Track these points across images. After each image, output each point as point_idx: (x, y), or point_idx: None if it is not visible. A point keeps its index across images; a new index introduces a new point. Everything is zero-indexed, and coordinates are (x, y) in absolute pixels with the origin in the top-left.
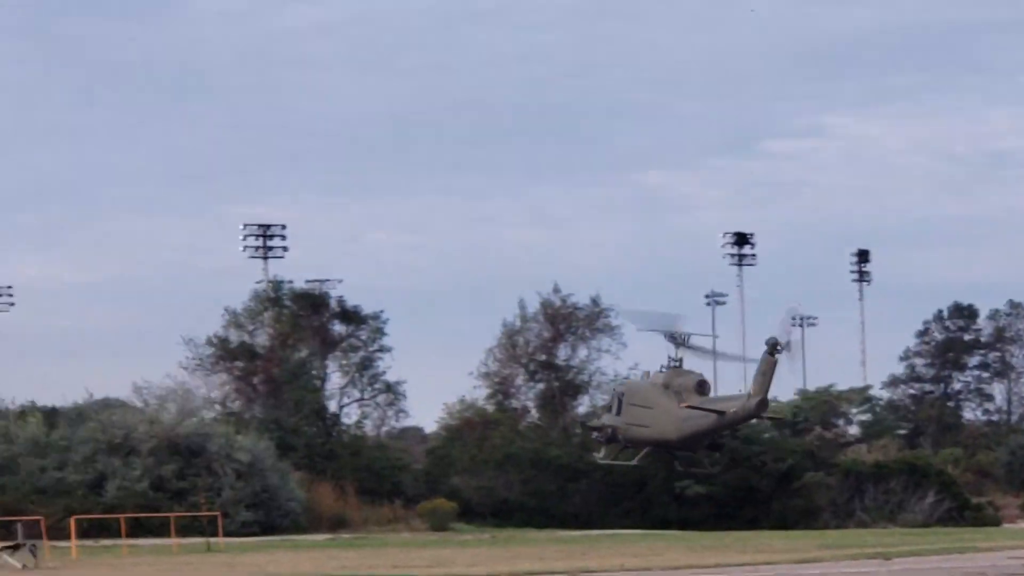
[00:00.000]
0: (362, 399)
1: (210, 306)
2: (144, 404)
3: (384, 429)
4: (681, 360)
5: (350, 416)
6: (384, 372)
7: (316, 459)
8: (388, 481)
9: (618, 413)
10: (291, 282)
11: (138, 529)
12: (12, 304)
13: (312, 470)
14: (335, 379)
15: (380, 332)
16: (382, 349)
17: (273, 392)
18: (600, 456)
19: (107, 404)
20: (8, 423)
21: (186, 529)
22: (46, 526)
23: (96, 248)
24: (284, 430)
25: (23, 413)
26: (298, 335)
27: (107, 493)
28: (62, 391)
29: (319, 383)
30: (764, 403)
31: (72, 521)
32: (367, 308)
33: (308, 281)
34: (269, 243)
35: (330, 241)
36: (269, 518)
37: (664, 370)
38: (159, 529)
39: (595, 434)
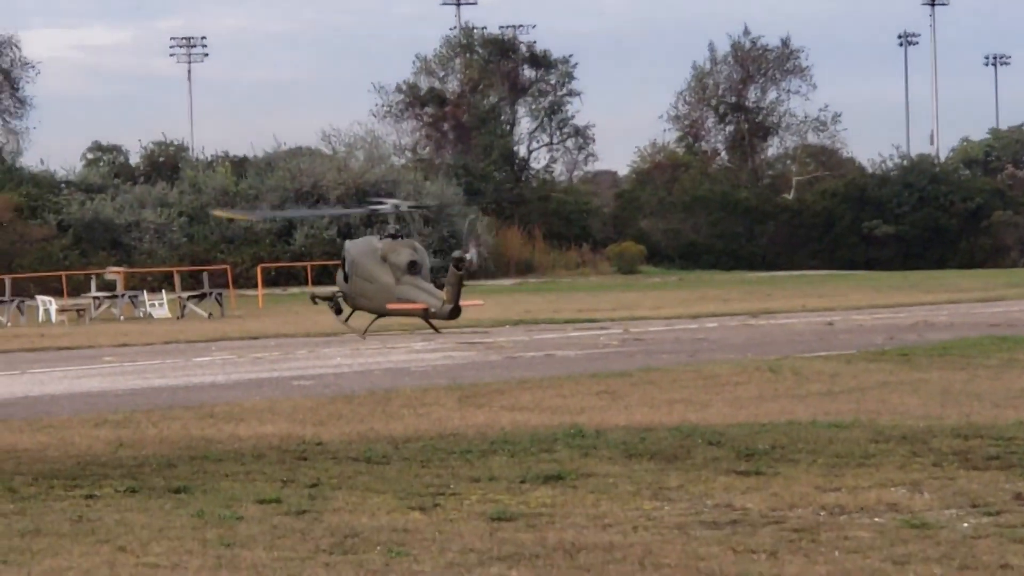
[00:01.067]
0: (551, 144)
1: (402, 53)
2: (333, 151)
3: (576, 174)
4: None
5: (539, 161)
6: (573, 116)
7: (504, 204)
8: (576, 225)
9: (345, 280)
10: (483, 28)
11: (325, 276)
12: (206, 55)
13: (500, 215)
14: (524, 124)
15: (570, 76)
16: (571, 93)
17: (462, 138)
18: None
19: (296, 152)
20: (197, 173)
21: None
22: (233, 275)
23: None
24: (473, 175)
25: (212, 163)
26: (488, 81)
27: (294, 241)
28: (252, 141)
29: (508, 128)
30: (457, 309)
31: (259, 269)
32: (557, 53)
33: (500, 27)
34: None
35: None
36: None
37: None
38: None
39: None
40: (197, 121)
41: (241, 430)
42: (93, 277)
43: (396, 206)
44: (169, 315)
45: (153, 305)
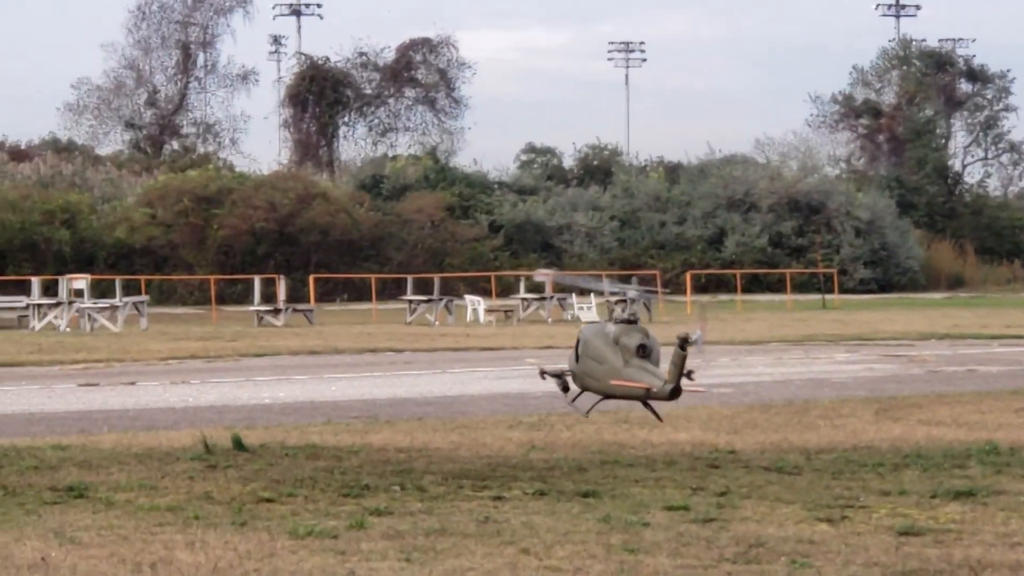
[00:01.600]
0: (985, 159)
1: (838, 64)
2: (766, 160)
3: (1011, 189)
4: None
5: (972, 175)
6: (1009, 132)
7: (936, 217)
8: (1008, 240)
9: (576, 360)
10: (921, 40)
11: (754, 285)
12: (644, 60)
13: (932, 228)
14: (959, 138)
15: (1006, 91)
16: (1008, 108)
17: (896, 150)
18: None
19: (729, 160)
20: (631, 178)
21: (802, 286)
22: (662, 280)
23: (734, 4)
24: (905, 188)
25: (646, 168)
26: (923, 94)
27: (725, 249)
28: (685, 147)
29: (942, 142)
30: (677, 390)
31: (688, 276)
32: (994, 67)
33: (939, 40)
34: (902, 0)
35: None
36: (887, 276)
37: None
38: (775, 286)
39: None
40: (633, 126)
41: (654, 436)
42: (522, 278)
43: (638, 293)
44: (597, 318)
45: (581, 308)
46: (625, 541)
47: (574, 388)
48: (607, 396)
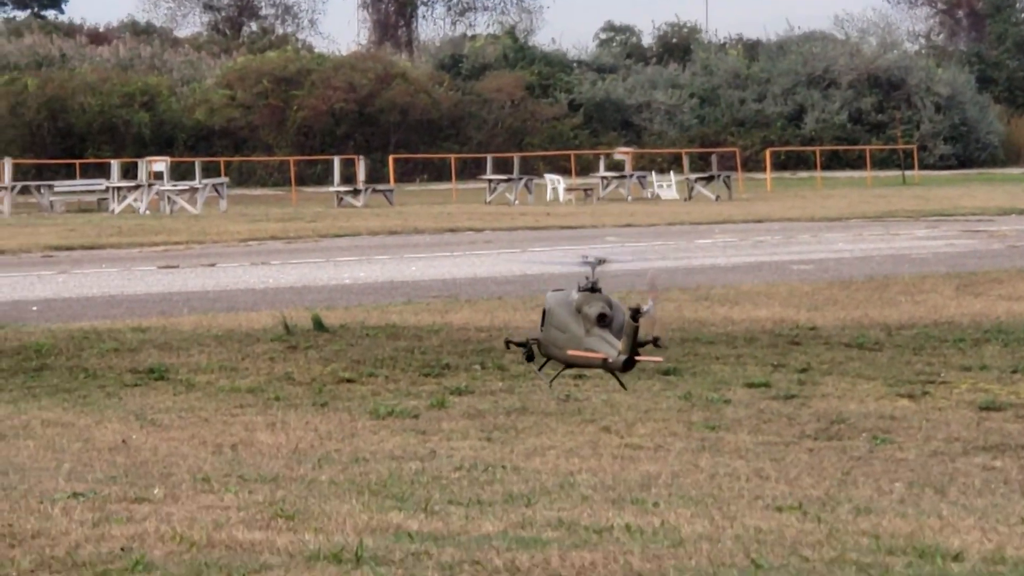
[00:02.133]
0: None
1: None
2: (845, 36)
3: None
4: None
5: None
6: None
7: (1017, 92)
8: None
9: (540, 328)
10: None
11: (834, 161)
12: None
13: (1012, 103)
14: None
15: None
16: None
17: (975, 25)
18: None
19: (808, 37)
20: (710, 55)
21: (882, 162)
22: (741, 158)
23: None
24: (985, 63)
25: (724, 45)
26: None
27: (805, 126)
28: (763, 24)
29: (1023, 16)
30: (630, 361)
31: (768, 153)
32: None
33: None
34: None
35: None
36: (967, 152)
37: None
38: (855, 162)
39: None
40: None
41: (735, 313)
42: (602, 157)
43: (600, 260)
44: (676, 196)
45: (661, 186)
46: (706, 418)
47: (539, 357)
48: (568, 365)
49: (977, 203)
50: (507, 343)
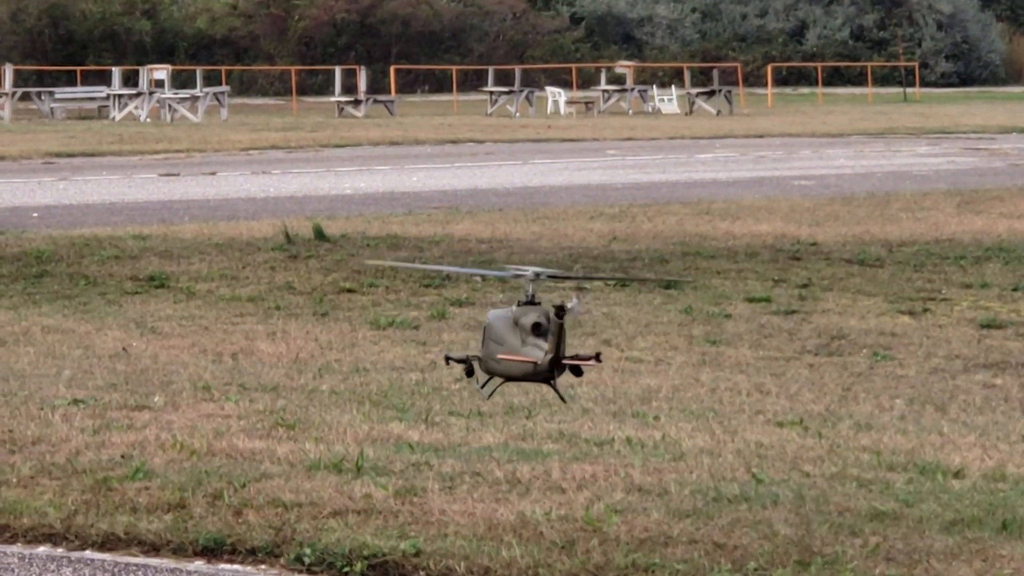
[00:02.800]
0: None
1: None
2: None
3: None
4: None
5: None
6: None
7: (1019, 11)
8: None
9: (481, 345)
10: None
11: (835, 78)
12: None
13: (1014, 22)
14: None
15: None
16: None
17: None
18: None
19: None
20: None
21: (883, 79)
22: (742, 73)
23: None
24: None
25: None
26: None
27: (806, 41)
28: None
29: None
30: (557, 359)
31: (769, 69)
32: None
33: None
34: None
35: None
36: (968, 70)
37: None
38: (856, 79)
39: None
40: None
41: (736, 228)
42: (603, 70)
43: (536, 274)
44: (677, 111)
45: (662, 100)
46: (707, 333)
47: (480, 372)
48: (507, 378)
49: (978, 121)
50: (447, 359)
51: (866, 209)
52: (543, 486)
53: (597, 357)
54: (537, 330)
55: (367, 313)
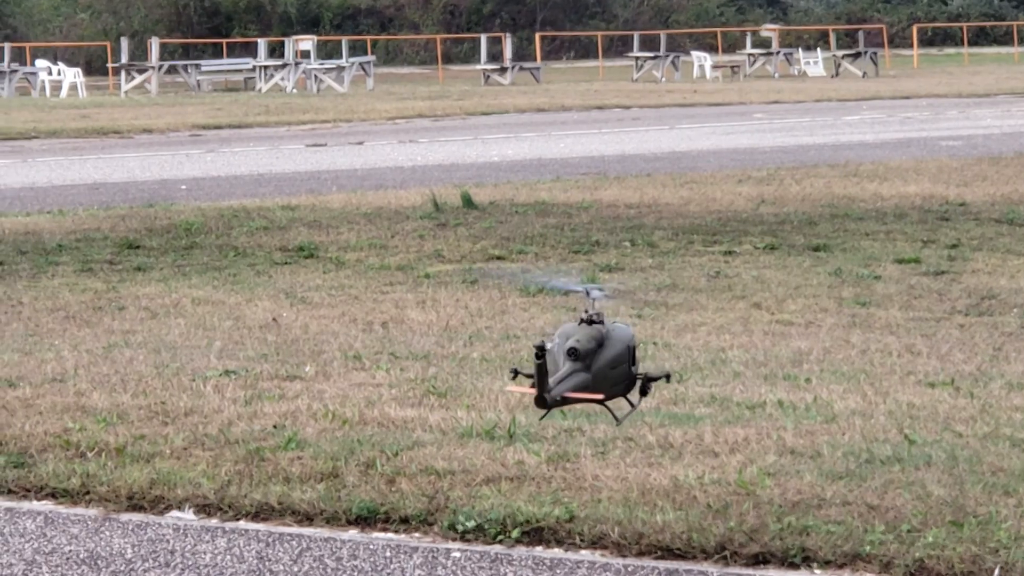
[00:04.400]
0: None
1: None
2: None
3: None
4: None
5: None
6: None
7: None
8: None
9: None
10: None
11: (981, 38)
12: None
13: None
14: None
15: None
16: None
17: None
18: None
19: None
20: None
21: None
22: (888, 35)
23: None
24: None
25: None
26: None
27: (952, 2)
28: None
29: None
30: (540, 399)
31: (914, 29)
32: None
33: None
34: None
35: None
36: None
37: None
38: (1002, 38)
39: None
40: None
41: (884, 189)
42: (748, 34)
43: (588, 291)
44: (823, 73)
45: (808, 63)
46: (856, 294)
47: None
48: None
49: None
50: (514, 372)
51: (1015, 168)
52: (695, 450)
53: (667, 378)
54: (572, 355)
55: (516, 280)
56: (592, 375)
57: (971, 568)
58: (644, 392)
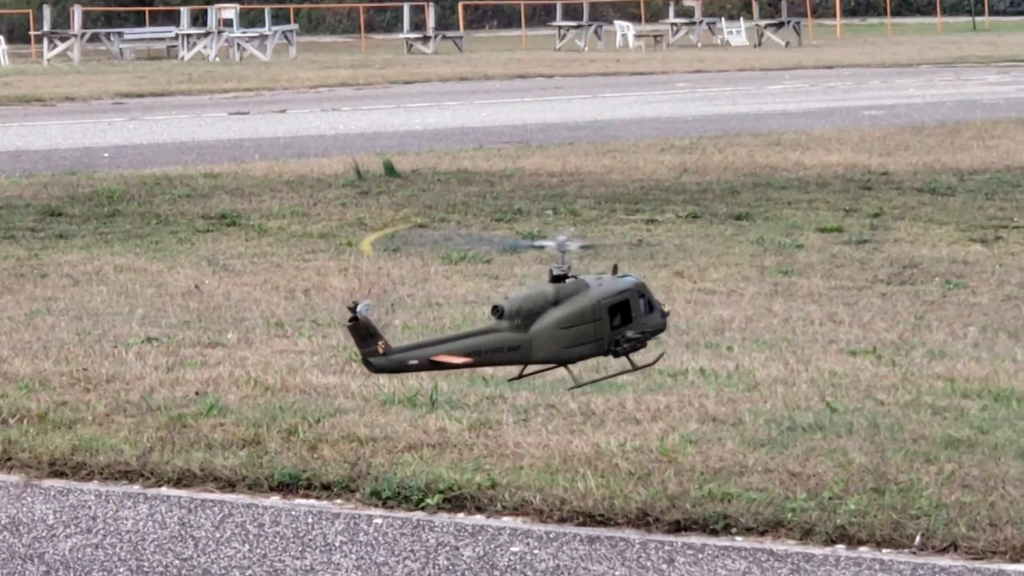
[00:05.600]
0: None
1: None
2: None
3: None
4: None
5: None
6: None
7: None
8: None
9: None
10: None
11: (904, 7)
12: None
13: None
14: None
15: None
16: None
17: None
18: None
19: None
20: None
21: (952, 8)
22: (811, 4)
23: None
24: None
25: None
26: None
27: None
28: None
29: None
30: (365, 362)
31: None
32: None
33: None
34: None
35: None
36: None
37: None
38: (925, 8)
39: None
40: None
41: (807, 158)
42: (672, 3)
43: (561, 244)
44: (747, 43)
45: (731, 32)
46: (778, 263)
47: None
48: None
49: None
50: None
51: (936, 138)
52: (617, 417)
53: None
54: (497, 313)
55: (439, 248)
56: (531, 335)
57: (892, 535)
58: (633, 349)
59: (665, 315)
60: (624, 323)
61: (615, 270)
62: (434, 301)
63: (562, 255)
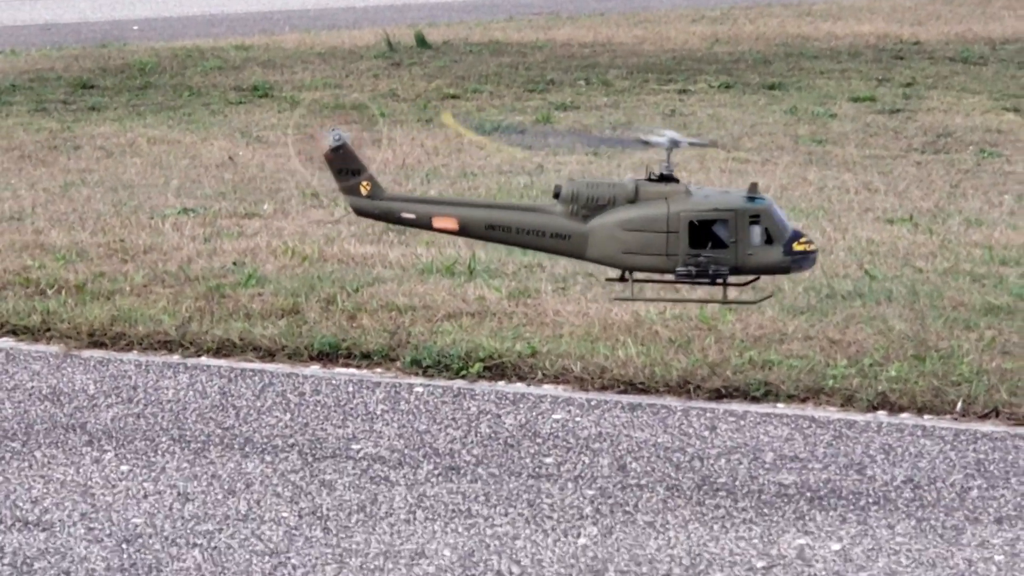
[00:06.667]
0: None
1: None
2: None
3: None
4: None
5: None
6: None
7: None
8: None
9: None
10: None
11: None
12: None
13: None
14: None
15: None
16: None
17: None
18: None
19: None
20: None
21: None
22: None
23: None
24: None
25: None
26: None
27: None
28: None
29: None
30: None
31: None
32: None
33: None
34: None
35: None
36: None
37: None
38: None
39: None
40: None
41: (838, 28)
42: None
43: (673, 140)
44: None
45: None
46: (812, 132)
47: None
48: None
49: None
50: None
51: (968, 7)
52: (656, 286)
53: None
54: (556, 194)
55: (472, 118)
56: (589, 228)
57: (934, 401)
58: (706, 276)
59: (794, 254)
60: (714, 245)
61: (753, 188)
62: (468, 171)
63: (668, 152)
